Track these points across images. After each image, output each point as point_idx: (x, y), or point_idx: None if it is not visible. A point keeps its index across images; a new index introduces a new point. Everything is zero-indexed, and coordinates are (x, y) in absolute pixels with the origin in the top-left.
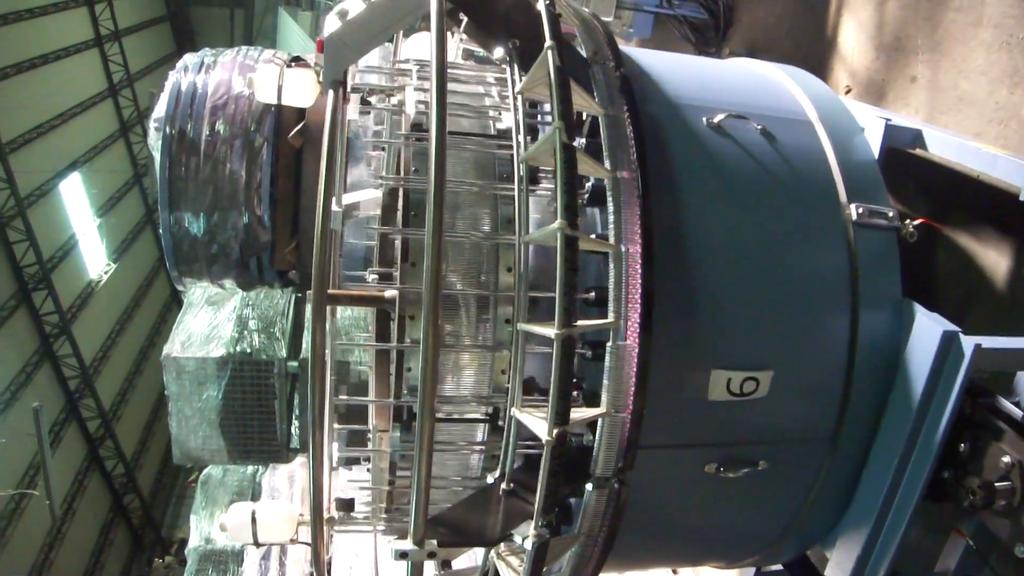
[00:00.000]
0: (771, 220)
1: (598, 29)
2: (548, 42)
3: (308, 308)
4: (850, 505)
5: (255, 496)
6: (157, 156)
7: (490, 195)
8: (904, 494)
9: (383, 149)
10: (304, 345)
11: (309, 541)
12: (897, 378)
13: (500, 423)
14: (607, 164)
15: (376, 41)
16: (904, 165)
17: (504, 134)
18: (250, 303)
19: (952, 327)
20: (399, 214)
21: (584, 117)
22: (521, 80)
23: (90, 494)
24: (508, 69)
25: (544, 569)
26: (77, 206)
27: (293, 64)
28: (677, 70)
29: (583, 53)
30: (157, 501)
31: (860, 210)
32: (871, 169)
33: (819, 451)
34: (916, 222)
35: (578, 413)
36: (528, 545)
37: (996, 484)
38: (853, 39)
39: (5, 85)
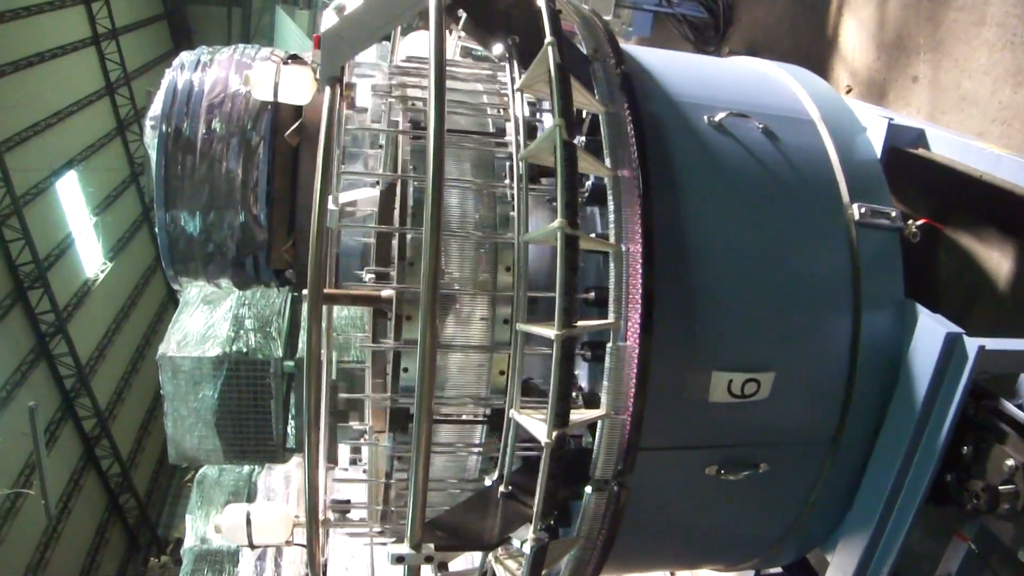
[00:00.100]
0: (773, 220)
1: (598, 26)
2: (548, 38)
3: (305, 307)
4: (851, 508)
5: (251, 496)
6: (153, 154)
7: (488, 193)
8: (906, 497)
9: (380, 147)
10: (300, 344)
11: (304, 543)
12: (899, 380)
13: (498, 424)
14: (607, 162)
15: (374, 37)
16: (906, 165)
17: (502, 132)
18: (246, 302)
19: (956, 329)
20: (396, 213)
21: (584, 115)
22: (521, 77)
23: (86, 493)
24: (507, 66)
25: (543, 572)
26: (73, 205)
27: (290, 61)
28: (678, 68)
29: (583, 50)
30: (153, 500)
31: (862, 210)
32: (874, 169)
33: (820, 453)
34: (919, 222)
35: (578, 415)
36: (527, 549)
37: (1000, 487)
38: (854, 38)
39: (1, 83)
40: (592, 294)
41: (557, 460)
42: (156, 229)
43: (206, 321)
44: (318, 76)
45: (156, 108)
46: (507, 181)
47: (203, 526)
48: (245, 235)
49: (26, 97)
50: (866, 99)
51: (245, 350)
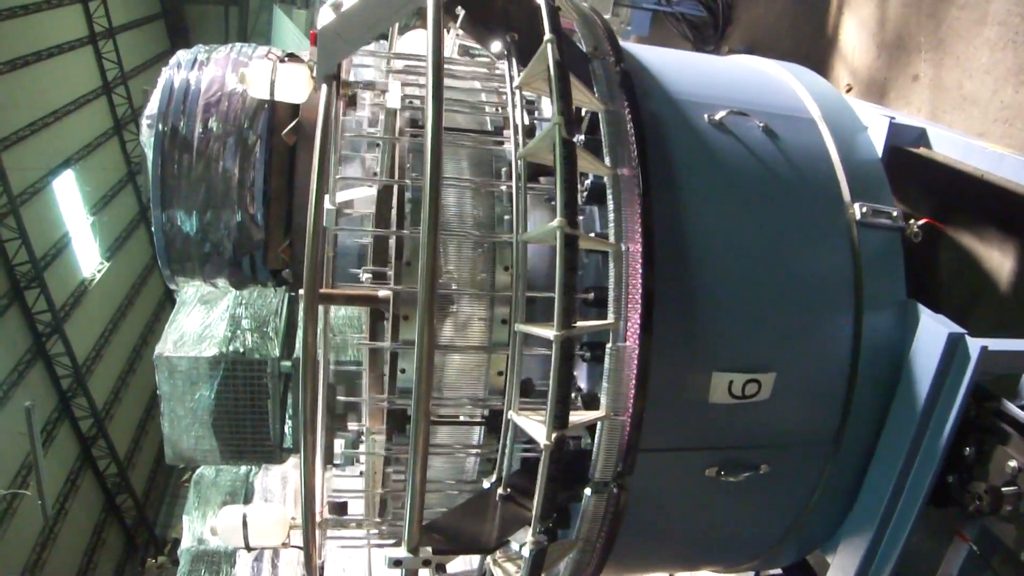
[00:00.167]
0: (774, 219)
1: (597, 24)
2: (547, 35)
3: (301, 308)
4: (852, 509)
5: (248, 497)
6: (149, 153)
7: (486, 192)
8: (908, 498)
9: (378, 146)
10: (298, 345)
11: (301, 545)
12: (901, 380)
13: (497, 425)
14: (607, 161)
15: (371, 34)
16: (906, 164)
17: (501, 130)
18: (243, 302)
19: (958, 329)
20: (393, 212)
21: (583, 113)
22: (519, 75)
23: (83, 494)
24: (506, 64)
25: (542, 575)
26: (70, 204)
27: (287, 60)
28: (677, 66)
29: (582, 48)
30: (150, 501)
31: (864, 209)
32: (875, 168)
33: (821, 454)
34: (920, 222)
35: (577, 417)
36: (525, 552)
37: (1002, 489)
38: (854, 37)
39: None
40: (591, 294)
41: (556, 462)
42: (152, 228)
43: (203, 321)
44: (314, 74)
45: (152, 107)
46: (505, 180)
47: (200, 527)
48: (242, 235)
49: (23, 96)
50: (866, 98)
51: (242, 350)
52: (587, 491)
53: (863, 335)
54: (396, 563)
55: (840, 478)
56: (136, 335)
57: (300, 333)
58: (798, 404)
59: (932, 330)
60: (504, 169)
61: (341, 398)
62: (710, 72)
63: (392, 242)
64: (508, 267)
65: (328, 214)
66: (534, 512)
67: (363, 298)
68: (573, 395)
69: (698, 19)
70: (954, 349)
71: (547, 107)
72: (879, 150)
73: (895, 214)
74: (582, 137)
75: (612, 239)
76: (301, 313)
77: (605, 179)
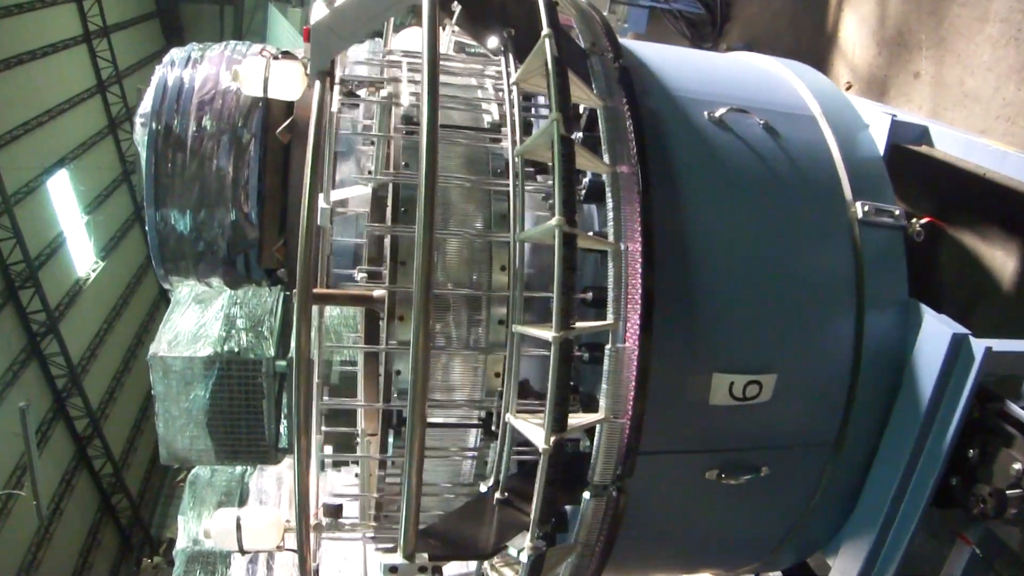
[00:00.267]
0: (775, 218)
1: (595, 20)
2: (545, 30)
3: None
4: (854, 511)
5: (243, 498)
6: (143, 152)
7: (483, 191)
8: (911, 500)
9: (373, 143)
10: (293, 344)
11: (295, 548)
12: (903, 381)
13: (493, 428)
14: (605, 158)
15: (365, 29)
16: (907, 162)
17: (497, 127)
18: (238, 301)
19: (962, 329)
20: (388, 211)
21: (582, 110)
22: (516, 71)
23: (78, 494)
24: (503, 60)
25: None
26: (65, 203)
27: (280, 57)
28: (676, 63)
29: (580, 44)
30: (146, 500)
31: (866, 208)
32: (877, 166)
33: (823, 456)
34: (923, 221)
35: (576, 419)
36: (524, 558)
37: (1007, 492)
38: (854, 34)
39: None
40: (590, 294)
41: (555, 466)
42: (146, 227)
43: (197, 320)
44: (308, 71)
45: (146, 105)
46: (502, 178)
47: (195, 527)
48: (236, 233)
49: (17, 95)
50: (867, 96)
51: (237, 350)
52: (586, 495)
53: (865, 335)
54: (392, 569)
55: (841, 480)
56: (131, 334)
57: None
58: (799, 405)
59: (935, 330)
60: (501, 167)
61: (328, 399)
62: (709, 69)
63: (387, 241)
64: (505, 267)
65: (322, 213)
66: (532, 517)
67: (358, 298)
68: (571, 396)
69: (696, 16)
70: (958, 350)
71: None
72: (881, 148)
73: (897, 213)
74: (580, 134)
75: (611, 238)
76: (295, 309)
77: (604, 177)
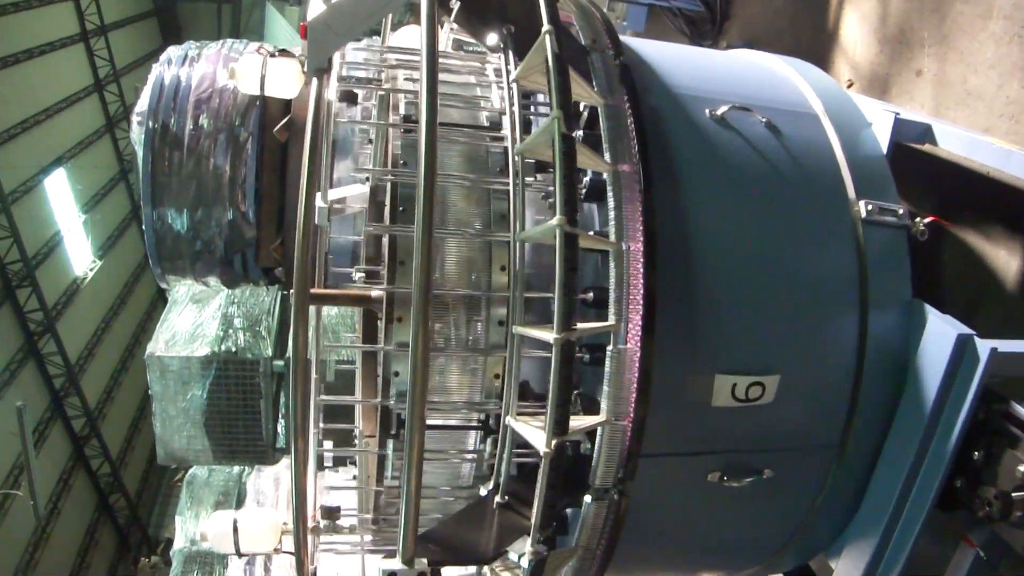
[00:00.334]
0: (777, 217)
1: (596, 16)
2: (546, 26)
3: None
4: (857, 514)
5: (240, 498)
6: (140, 151)
7: (482, 189)
8: (915, 503)
9: (371, 142)
10: (291, 344)
11: (292, 551)
12: (908, 382)
13: (493, 430)
14: (607, 157)
15: (362, 26)
16: (910, 161)
17: (496, 125)
18: (235, 301)
19: (967, 330)
20: (387, 210)
21: (582, 107)
22: (516, 68)
23: (75, 493)
24: (502, 57)
25: None
26: (62, 202)
27: (277, 55)
28: (677, 60)
29: (581, 41)
30: (143, 500)
31: (869, 207)
32: (880, 164)
33: (826, 458)
34: (926, 220)
35: (577, 422)
36: (525, 563)
37: (1013, 494)
38: (855, 32)
39: None
40: (590, 294)
41: (556, 469)
42: (143, 227)
43: (195, 320)
44: (305, 68)
45: (143, 104)
46: (502, 177)
47: (193, 527)
48: (233, 232)
49: (14, 94)
50: (868, 94)
51: (234, 349)
52: (587, 498)
53: (869, 336)
54: (391, 575)
55: (845, 482)
56: (129, 334)
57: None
58: (802, 407)
59: (940, 331)
60: (500, 165)
61: (325, 397)
62: (711, 66)
63: (385, 240)
64: (505, 267)
65: (320, 212)
66: (533, 521)
67: (355, 298)
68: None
69: (695, 14)
70: (963, 350)
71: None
72: (884, 146)
73: (901, 212)
74: (580, 132)
75: (612, 238)
76: (292, 314)
77: (605, 176)
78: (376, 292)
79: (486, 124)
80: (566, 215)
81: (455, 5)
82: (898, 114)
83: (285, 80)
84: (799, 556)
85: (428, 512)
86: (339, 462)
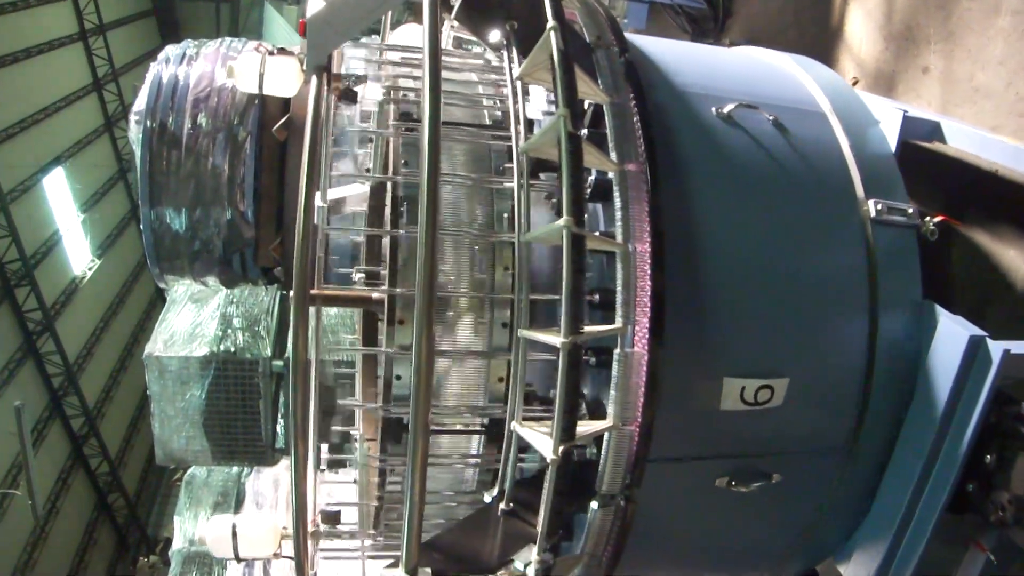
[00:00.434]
0: (786, 217)
1: (600, 13)
2: (551, 22)
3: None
4: (866, 517)
5: (239, 499)
6: (138, 150)
7: (485, 189)
8: (925, 506)
9: (371, 141)
10: (290, 344)
11: (292, 555)
12: (918, 385)
13: (497, 434)
14: (612, 156)
15: (362, 23)
16: (917, 159)
17: (499, 124)
18: (234, 300)
19: (979, 331)
20: (387, 210)
21: (586, 105)
22: (520, 65)
23: (74, 493)
24: (505, 54)
25: None
26: (61, 201)
27: (276, 53)
28: (683, 57)
29: (585, 38)
30: (142, 499)
31: (878, 206)
32: (888, 163)
33: (835, 462)
34: (936, 219)
35: (584, 427)
36: (531, 572)
37: None
38: (860, 28)
39: None
40: (596, 296)
41: (563, 476)
42: (141, 226)
43: (193, 320)
44: (304, 67)
45: (141, 102)
46: (505, 176)
47: (191, 528)
48: (232, 232)
49: (12, 93)
50: (874, 91)
51: (233, 349)
52: (593, 504)
53: (879, 337)
54: None
55: (854, 486)
56: (128, 333)
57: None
58: (812, 410)
59: (952, 332)
60: (503, 165)
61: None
62: (716, 64)
63: (386, 240)
64: (508, 268)
65: (319, 212)
66: (540, 529)
67: (356, 299)
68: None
69: (697, 11)
70: (975, 352)
71: (540, 99)
72: (892, 145)
73: (910, 211)
74: (585, 131)
75: (619, 238)
76: (291, 313)
77: (610, 175)
78: (377, 293)
79: (488, 123)
80: (573, 216)
81: (456, 2)
82: (906, 112)
83: (284, 78)
84: (807, 560)
85: (430, 517)
86: (339, 463)
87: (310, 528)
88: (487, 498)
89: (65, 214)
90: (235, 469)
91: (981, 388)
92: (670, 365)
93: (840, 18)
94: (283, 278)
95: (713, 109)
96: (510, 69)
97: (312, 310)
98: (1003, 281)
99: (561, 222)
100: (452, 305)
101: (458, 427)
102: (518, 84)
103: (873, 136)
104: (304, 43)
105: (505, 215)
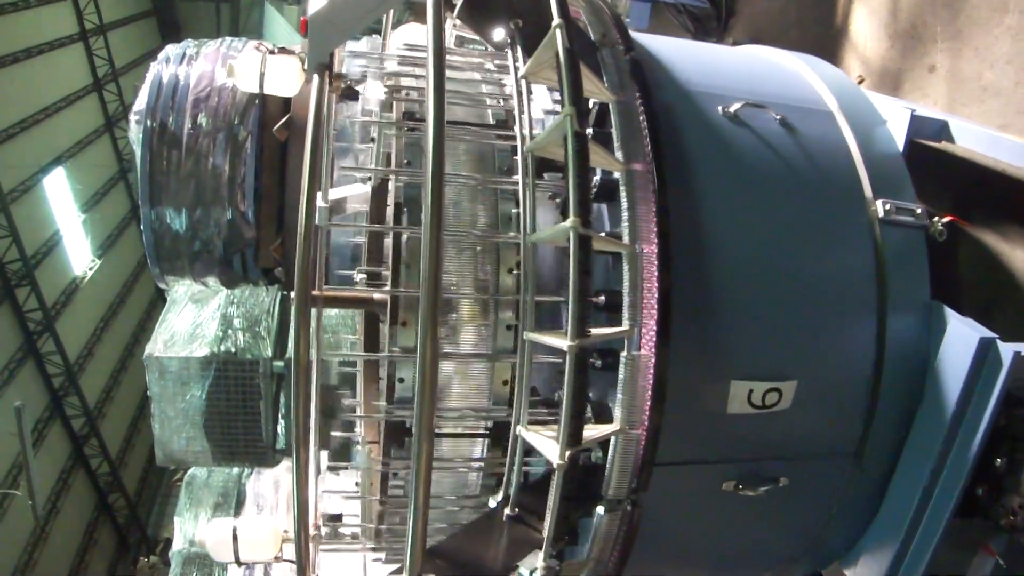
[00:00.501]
0: (794, 217)
1: (604, 11)
2: (556, 20)
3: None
4: (874, 521)
5: (239, 500)
6: (138, 150)
7: (488, 190)
8: (934, 511)
9: (372, 141)
10: (291, 344)
11: (294, 559)
12: (927, 387)
13: (501, 437)
14: (618, 155)
15: (364, 21)
16: (923, 158)
17: (503, 123)
18: (235, 301)
19: (989, 333)
20: (390, 210)
21: (591, 104)
22: (524, 64)
23: (75, 493)
24: (510, 52)
25: None
26: (61, 202)
27: (277, 52)
28: (688, 56)
29: (590, 35)
30: (142, 499)
31: (887, 206)
32: (896, 163)
33: (843, 465)
34: (944, 220)
35: (591, 431)
36: None
37: None
38: (864, 27)
39: None
40: (602, 298)
41: (570, 482)
42: (141, 226)
43: (194, 320)
44: (305, 65)
45: (141, 102)
46: (507, 176)
47: (192, 528)
48: (232, 232)
49: (12, 93)
50: (880, 90)
51: (234, 350)
52: (600, 509)
53: (887, 339)
54: None
55: (862, 489)
56: (128, 333)
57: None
58: (820, 413)
59: (961, 334)
60: (506, 164)
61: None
62: (722, 62)
63: (388, 240)
64: (512, 269)
65: (320, 212)
66: (546, 535)
67: (358, 300)
68: None
69: (700, 10)
70: (985, 354)
71: (543, 99)
72: (900, 144)
73: (919, 211)
74: (590, 130)
75: (626, 239)
76: (293, 315)
77: (616, 175)
78: (379, 295)
79: (492, 122)
80: (580, 216)
81: (458, 0)
82: (914, 111)
83: (285, 78)
84: (813, 564)
85: (433, 521)
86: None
87: (311, 531)
88: (492, 503)
89: (66, 214)
90: (235, 470)
91: (991, 391)
92: (677, 368)
93: (844, 17)
94: (283, 278)
95: (720, 108)
96: (515, 68)
97: (313, 311)
98: (1011, 282)
99: (568, 223)
100: (455, 307)
101: (461, 430)
102: (523, 82)
103: (881, 135)
104: (305, 42)
105: (512, 213)
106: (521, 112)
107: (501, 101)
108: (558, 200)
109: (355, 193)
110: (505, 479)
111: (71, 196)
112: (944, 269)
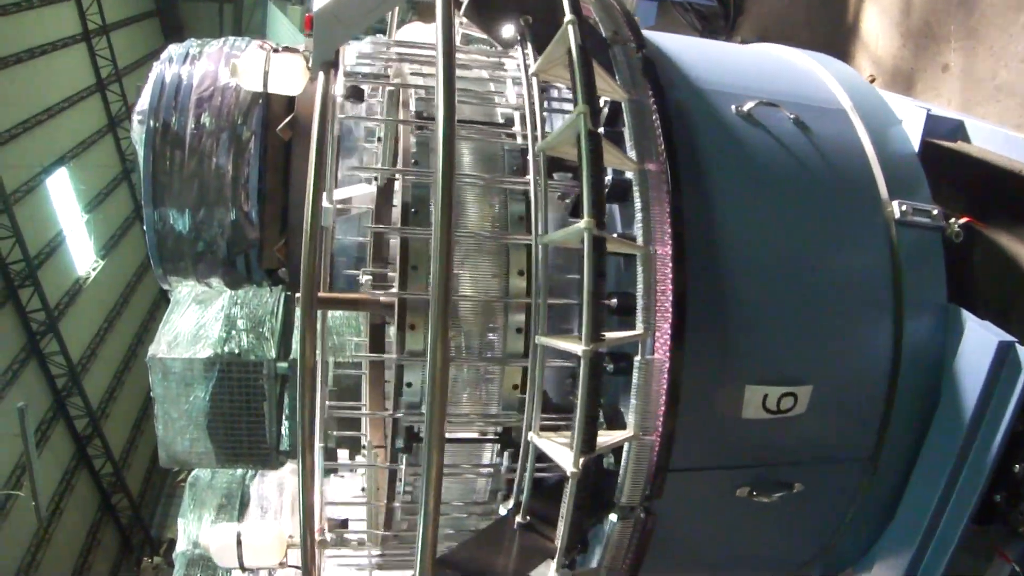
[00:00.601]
0: (809, 219)
1: (615, 8)
2: (568, 16)
3: (298, 310)
4: (889, 527)
5: (243, 503)
6: (141, 150)
7: (497, 190)
8: (951, 517)
9: (378, 140)
10: (294, 345)
11: (299, 565)
12: (944, 392)
13: (511, 443)
14: (631, 155)
15: (370, 17)
16: (938, 158)
17: (512, 122)
18: (238, 302)
19: (1008, 337)
20: (398, 211)
21: (603, 102)
22: (535, 61)
23: (78, 493)
24: (520, 50)
25: None
26: (64, 202)
27: (281, 51)
28: (700, 54)
29: (602, 33)
30: (146, 500)
31: (903, 208)
32: (912, 163)
33: (858, 471)
34: (961, 221)
35: (604, 437)
36: None
37: None
38: (876, 25)
39: None
40: (614, 300)
41: (583, 489)
42: (144, 227)
43: (197, 321)
44: (310, 63)
45: (144, 102)
46: (516, 176)
47: (195, 530)
48: (236, 233)
49: (16, 94)
50: (892, 90)
51: (237, 351)
52: (612, 516)
53: (904, 343)
54: None
55: (877, 495)
56: (132, 333)
57: (297, 336)
58: (835, 418)
59: (979, 338)
60: (516, 164)
61: (339, 405)
62: (734, 60)
63: (394, 241)
64: (523, 271)
65: (326, 212)
66: (559, 544)
67: (365, 303)
68: None
69: (707, 9)
70: (1004, 358)
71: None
72: (915, 144)
73: (935, 212)
74: (602, 129)
75: (640, 241)
76: (298, 317)
77: (628, 175)
78: (386, 297)
79: (502, 121)
80: (594, 217)
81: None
82: (929, 110)
83: (289, 76)
84: (826, 570)
85: (441, 527)
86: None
87: (317, 536)
88: (502, 511)
89: (69, 214)
90: (239, 471)
91: (1010, 395)
92: (691, 372)
93: (854, 16)
94: (287, 279)
95: (733, 107)
96: (525, 65)
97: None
98: None
99: (582, 224)
100: (465, 310)
101: (470, 436)
102: (534, 80)
103: (896, 135)
104: (309, 41)
105: (519, 216)
106: (532, 110)
107: (510, 99)
108: (567, 201)
109: (361, 193)
110: (516, 486)
111: (74, 196)
112: (960, 271)
